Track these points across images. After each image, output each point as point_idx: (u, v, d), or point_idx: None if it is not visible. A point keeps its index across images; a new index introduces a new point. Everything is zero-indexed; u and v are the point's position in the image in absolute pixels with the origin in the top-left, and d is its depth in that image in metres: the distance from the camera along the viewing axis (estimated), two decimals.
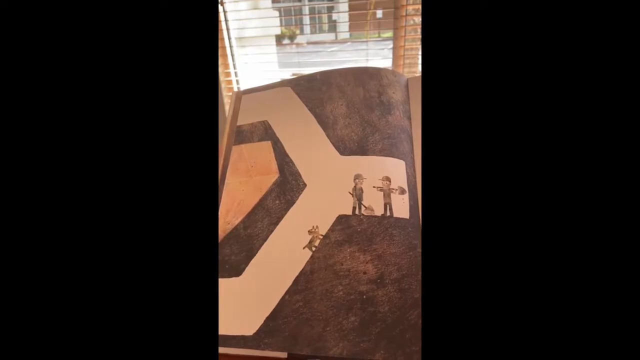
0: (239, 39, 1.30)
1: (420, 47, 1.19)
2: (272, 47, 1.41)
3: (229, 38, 1.24)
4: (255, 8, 1.36)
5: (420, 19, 1.17)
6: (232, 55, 1.26)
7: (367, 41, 1.30)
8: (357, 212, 0.31)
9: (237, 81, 1.32)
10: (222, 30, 1.23)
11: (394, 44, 1.22)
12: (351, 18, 1.32)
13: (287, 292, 0.28)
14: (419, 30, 1.17)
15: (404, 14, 1.16)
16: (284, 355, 0.26)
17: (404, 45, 1.20)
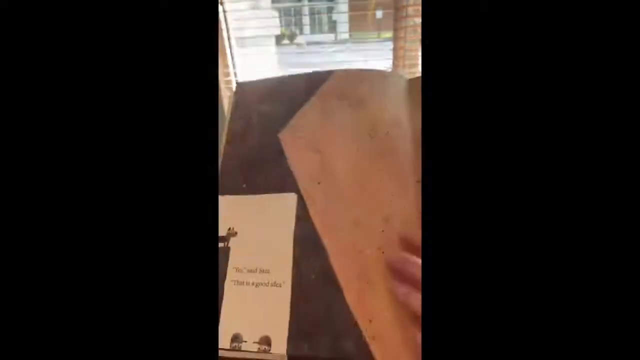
0: (239, 39, 1.30)
1: (419, 48, 1.19)
2: (272, 48, 1.41)
3: (229, 38, 1.24)
4: (255, 8, 1.36)
5: (419, 20, 1.17)
6: (232, 55, 1.26)
7: (366, 42, 1.30)
8: None
9: (237, 81, 1.31)
10: (221, 30, 1.23)
11: (393, 44, 1.22)
12: (351, 19, 1.32)
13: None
14: (419, 31, 1.17)
15: (404, 14, 1.16)
16: (283, 358, 0.26)
17: (404, 46, 1.19)
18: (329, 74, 0.34)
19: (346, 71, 0.34)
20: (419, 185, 0.29)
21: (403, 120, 0.31)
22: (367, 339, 0.25)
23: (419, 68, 1.20)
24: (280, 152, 0.31)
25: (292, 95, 0.34)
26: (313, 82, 0.34)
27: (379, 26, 1.31)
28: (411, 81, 0.33)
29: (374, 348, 0.24)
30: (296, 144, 0.31)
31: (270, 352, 0.26)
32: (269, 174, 0.31)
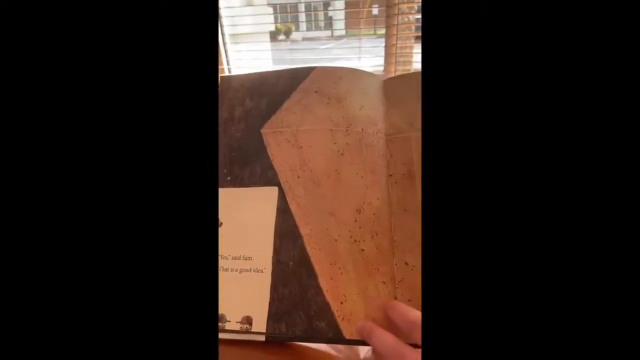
0: (233, 35, 1.31)
1: (413, 45, 1.20)
2: (267, 44, 1.42)
3: (223, 35, 1.25)
4: (249, 5, 1.37)
5: (413, 17, 1.18)
6: (226, 51, 1.27)
7: (360, 39, 1.31)
8: None
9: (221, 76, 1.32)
10: None
11: (386, 42, 1.23)
12: (347, 15, 1.32)
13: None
14: (413, 28, 1.19)
15: (397, 12, 1.17)
16: (262, 338, 0.28)
17: (396, 44, 1.21)
18: (309, 70, 0.36)
19: (326, 68, 0.36)
20: (391, 180, 0.31)
21: (378, 118, 0.33)
22: (338, 319, 0.27)
23: (413, 65, 1.22)
24: (263, 147, 0.33)
25: (274, 91, 0.36)
26: (294, 79, 0.36)
27: (374, 22, 1.32)
28: (387, 81, 0.35)
29: (343, 327, 0.27)
30: (277, 139, 0.33)
31: (251, 330, 0.28)
32: (252, 168, 0.33)
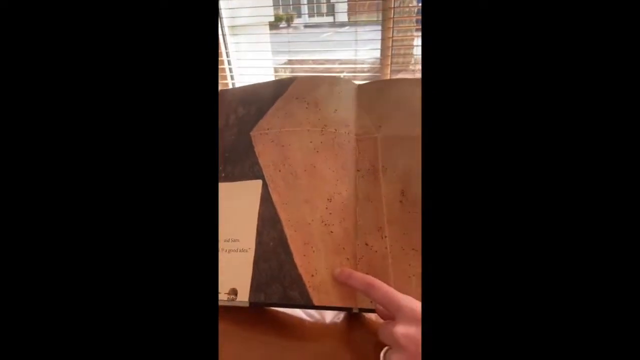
0: (232, 27, 1.34)
1: (411, 38, 1.22)
2: (267, 36, 1.44)
3: (222, 26, 1.28)
4: None
5: (413, 9, 1.19)
6: (225, 43, 1.30)
7: (356, 30, 1.33)
8: None
9: (231, 69, 1.36)
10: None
11: (382, 34, 1.25)
12: (350, 6, 1.32)
13: None
14: (413, 20, 1.20)
15: (392, 5, 1.18)
16: (246, 304, 0.34)
17: (392, 37, 1.23)
18: (292, 80, 0.41)
19: (305, 78, 0.41)
20: (358, 174, 0.36)
21: (350, 120, 0.38)
22: (309, 289, 0.33)
23: (412, 58, 1.24)
24: (251, 147, 0.39)
25: (262, 99, 0.41)
26: (279, 88, 0.41)
27: (376, 12, 1.33)
28: (360, 87, 0.40)
29: (313, 295, 0.32)
30: (263, 139, 0.39)
31: (236, 300, 0.34)
32: (242, 165, 0.39)
